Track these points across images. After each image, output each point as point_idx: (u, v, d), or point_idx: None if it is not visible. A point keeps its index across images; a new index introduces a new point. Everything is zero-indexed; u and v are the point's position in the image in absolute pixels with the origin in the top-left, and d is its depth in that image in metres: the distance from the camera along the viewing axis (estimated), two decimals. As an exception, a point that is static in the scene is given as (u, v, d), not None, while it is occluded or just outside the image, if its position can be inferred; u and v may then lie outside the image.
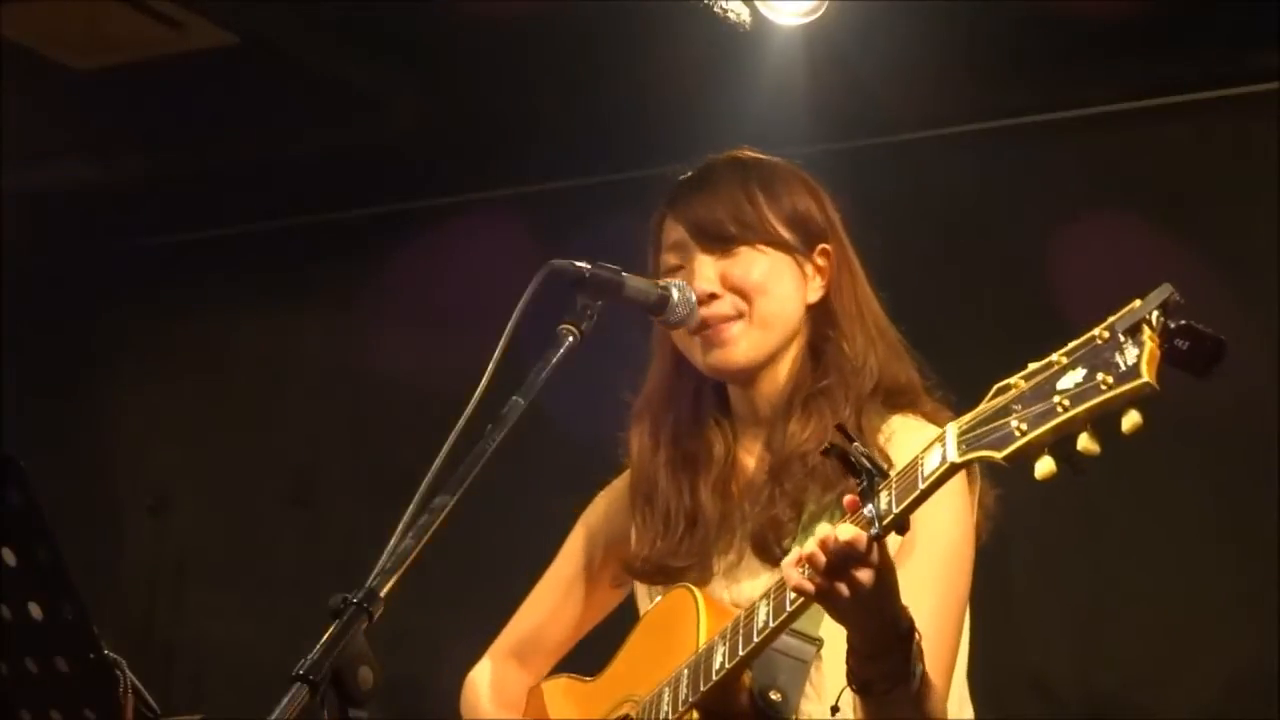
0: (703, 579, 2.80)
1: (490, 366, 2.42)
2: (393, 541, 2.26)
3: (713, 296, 2.79)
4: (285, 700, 2.04)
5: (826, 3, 4.87)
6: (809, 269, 2.86)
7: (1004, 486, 2.69)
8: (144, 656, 2.65)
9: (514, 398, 2.44)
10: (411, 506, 2.28)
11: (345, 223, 6.43)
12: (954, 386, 2.80)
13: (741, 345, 2.80)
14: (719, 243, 2.82)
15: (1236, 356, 2.04)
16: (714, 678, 2.57)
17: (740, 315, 2.80)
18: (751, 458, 2.88)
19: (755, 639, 2.50)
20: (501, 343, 2.44)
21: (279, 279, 6.49)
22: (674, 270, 2.85)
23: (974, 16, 4.93)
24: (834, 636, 2.58)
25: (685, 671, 2.63)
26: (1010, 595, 5.00)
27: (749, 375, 2.84)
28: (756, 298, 2.80)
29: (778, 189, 2.87)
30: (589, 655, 3.05)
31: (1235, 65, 5.23)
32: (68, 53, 5.59)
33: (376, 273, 6.19)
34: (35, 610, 2.42)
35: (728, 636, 2.57)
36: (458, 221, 6.05)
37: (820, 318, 2.86)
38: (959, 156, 5.49)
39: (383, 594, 2.17)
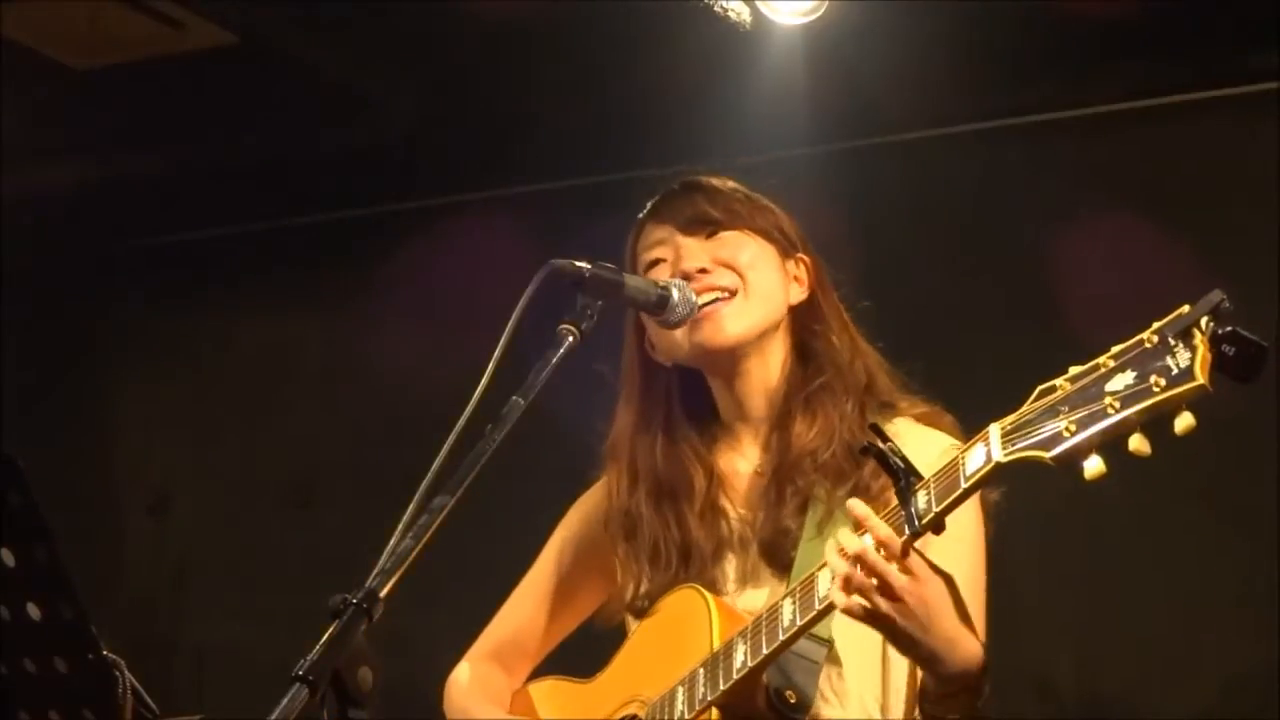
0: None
1: (490, 366, 2.42)
2: (393, 542, 2.26)
3: (703, 271, 2.79)
4: (285, 700, 2.04)
5: (826, 3, 4.87)
6: (790, 266, 2.86)
7: (1007, 486, 2.68)
8: (143, 657, 2.64)
9: (514, 398, 2.44)
10: (411, 507, 2.28)
11: (345, 223, 6.42)
12: (954, 385, 2.79)
13: (734, 322, 2.78)
14: (705, 227, 2.83)
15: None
16: (734, 676, 2.56)
17: (734, 292, 2.79)
18: (745, 461, 2.87)
19: (781, 637, 2.50)
20: (501, 343, 2.45)
21: (279, 279, 6.48)
22: (656, 265, 2.84)
23: (974, 16, 4.92)
24: (845, 637, 2.58)
25: (702, 671, 2.62)
26: (1011, 595, 4.98)
27: (736, 358, 2.82)
28: (748, 272, 2.80)
29: (760, 202, 2.89)
30: (573, 661, 3.04)
31: (1235, 65, 5.22)
32: (68, 53, 5.58)
33: (376, 273, 6.17)
34: (34, 611, 2.41)
35: (748, 636, 2.55)
36: (458, 221, 6.04)
37: (806, 316, 2.86)
38: (959, 156, 5.48)
39: (382, 594, 2.17)
